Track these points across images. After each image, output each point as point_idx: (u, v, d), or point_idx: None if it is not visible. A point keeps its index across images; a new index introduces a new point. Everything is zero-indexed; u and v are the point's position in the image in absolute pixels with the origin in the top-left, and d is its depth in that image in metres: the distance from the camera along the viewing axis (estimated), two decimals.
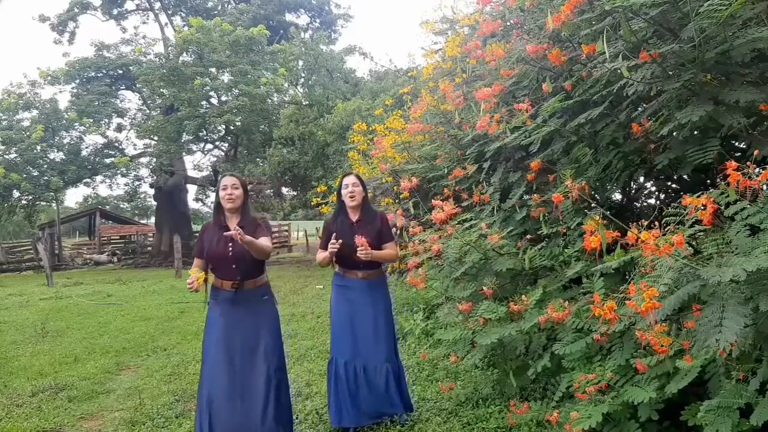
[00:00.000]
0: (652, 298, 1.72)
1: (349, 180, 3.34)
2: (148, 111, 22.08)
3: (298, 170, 17.99)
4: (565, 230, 3.10)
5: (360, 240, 3.12)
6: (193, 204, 26.86)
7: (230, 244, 2.87)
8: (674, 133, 2.62)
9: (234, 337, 2.87)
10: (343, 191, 3.33)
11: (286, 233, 25.47)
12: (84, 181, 20.14)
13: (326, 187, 7.55)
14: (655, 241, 1.74)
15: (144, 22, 24.37)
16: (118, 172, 20.88)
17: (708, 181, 2.90)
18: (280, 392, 2.93)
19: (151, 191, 23.99)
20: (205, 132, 19.73)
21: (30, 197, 18.22)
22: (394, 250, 3.36)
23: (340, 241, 3.16)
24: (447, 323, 3.52)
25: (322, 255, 3.32)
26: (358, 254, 3.13)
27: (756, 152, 1.93)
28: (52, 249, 19.86)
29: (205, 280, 2.91)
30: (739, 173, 1.80)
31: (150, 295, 10.66)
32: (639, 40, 2.55)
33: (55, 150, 18.86)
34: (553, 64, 3.04)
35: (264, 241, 2.92)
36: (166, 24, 21.86)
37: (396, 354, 3.37)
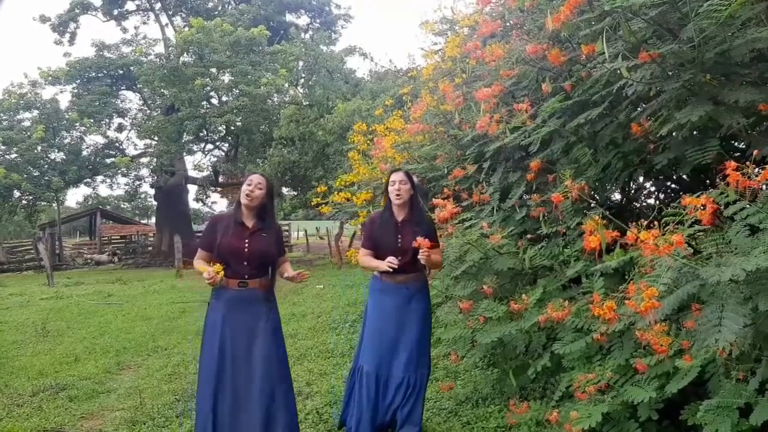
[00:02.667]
0: (652, 298, 1.72)
1: (397, 177, 3.10)
2: (148, 111, 22.12)
3: (298, 170, 17.98)
4: (564, 230, 3.10)
5: (422, 242, 2.87)
6: (193, 204, 26.88)
7: (246, 240, 2.77)
8: (674, 133, 2.62)
9: (235, 343, 2.75)
10: (390, 188, 3.09)
11: (287, 233, 25.50)
12: (84, 181, 20.18)
13: (326, 188, 7.54)
14: (654, 240, 1.75)
15: (144, 23, 24.29)
16: (119, 172, 20.92)
17: (707, 181, 2.90)
18: (288, 401, 2.80)
19: (152, 191, 24.02)
20: (205, 132, 19.76)
21: (31, 197, 18.24)
22: (439, 257, 3.13)
23: (397, 261, 2.93)
24: (447, 322, 3.52)
25: (368, 261, 3.10)
26: (419, 256, 2.90)
27: (755, 152, 1.92)
28: (53, 249, 19.89)
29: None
30: (738, 173, 1.80)
31: (150, 294, 10.68)
32: (638, 41, 2.56)
33: (56, 150, 18.89)
34: (553, 65, 3.04)
35: (287, 265, 2.92)
36: (167, 24, 21.87)
37: (425, 365, 3.13)
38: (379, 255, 3.05)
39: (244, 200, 2.84)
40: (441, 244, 3.30)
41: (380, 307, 3.12)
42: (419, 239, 2.87)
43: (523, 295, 2.96)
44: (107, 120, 20.61)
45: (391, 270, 2.94)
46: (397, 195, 3.06)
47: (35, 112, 19.03)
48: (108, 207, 30.66)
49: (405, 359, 3.02)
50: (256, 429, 2.70)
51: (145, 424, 3.62)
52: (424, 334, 3.11)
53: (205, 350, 2.82)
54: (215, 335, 2.78)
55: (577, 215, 2.99)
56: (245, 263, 2.78)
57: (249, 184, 2.85)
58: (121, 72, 20.43)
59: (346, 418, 3.22)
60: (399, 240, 3.04)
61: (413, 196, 3.12)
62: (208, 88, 17.41)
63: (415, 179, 3.24)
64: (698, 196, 1.80)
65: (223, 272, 2.70)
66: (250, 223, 2.85)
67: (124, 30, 22.79)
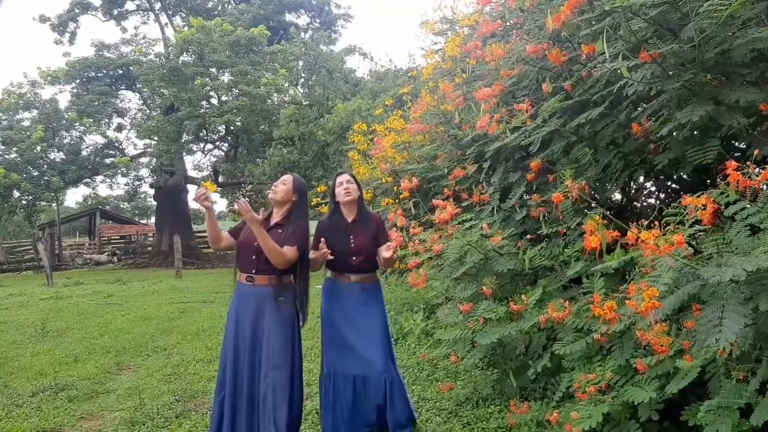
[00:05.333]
0: (652, 298, 1.72)
1: (344, 178, 3.17)
2: (148, 111, 22.13)
3: (298, 170, 17.95)
4: (565, 230, 3.10)
5: (393, 235, 2.94)
6: (193, 204, 26.84)
7: None
8: (674, 133, 2.62)
9: (242, 338, 2.80)
10: (338, 189, 3.14)
11: None
12: (84, 181, 20.19)
13: (326, 187, 7.54)
14: (655, 240, 1.74)
15: (144, 23, 24.31)
16: (119, 172, 20.96)
17: (708, 181, 2.90)
18: (286, 402, 2.73)
19: (151, 191, 24.04)
20: (205, 132, 19.75)
21: (30, 197, 18.25)
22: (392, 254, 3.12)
23: (328, 251, 2.89)
24: (447, 323, 3.51)
25: (311, 256, 3.04)
26: (384, 251, 2.99)
27: (756, 152, 1.92)
28: (53, 249, 19.87)
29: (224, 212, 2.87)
30: (739, 173, 1.80)
31: (150, 295, 10.67)
32: (639, 40, 2.55)
33: (56, 150, 18.91)
34: (553, 64, 3.04)
35: (286, 248, 2.75)
36: (167, 24, 21.88)
37: (393, 363, 3.12)
38: (335, 258, 2.99)
39: (270, 195, 2.99)
40: (410, 244, 3.44)
41: (336, 309, 3.08)
42: (393, 233, 2.98)
43: (523, 295, 2.96)
44: (107, 120, 20.62)
45: (327, 257, 2.91)
46: (347, 192, 3.10)
47: (35, 112, 19.05)
48: (108, 207, 30.69)
49: (375, 361, 2.96)
50: (251, 427, 2.73)
51: (144, 424, 3.61)
52: (385, 334, 3.12)
53: (223, 342, 2.92)
54: (228, 328, 2.89)
55: (577, 215, 2.99)
56: (253, 257, 2.81)
57: (278, 181, 3.00)
58: (120, 72, 20.42)
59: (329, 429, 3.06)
60: (352, 241, 3.06)
61: (360, 196, 3.20)
62: (208, 87, 17.40)
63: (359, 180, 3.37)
64: (699, 196, 1.80)
65: (209, 189, 2.67)
66: (273, 220, 2.92)
67: (124, 30, 22.81)
